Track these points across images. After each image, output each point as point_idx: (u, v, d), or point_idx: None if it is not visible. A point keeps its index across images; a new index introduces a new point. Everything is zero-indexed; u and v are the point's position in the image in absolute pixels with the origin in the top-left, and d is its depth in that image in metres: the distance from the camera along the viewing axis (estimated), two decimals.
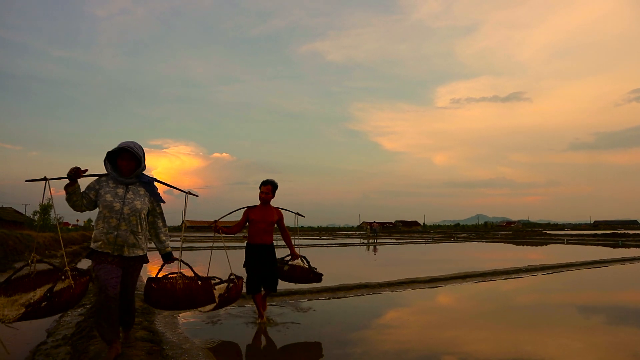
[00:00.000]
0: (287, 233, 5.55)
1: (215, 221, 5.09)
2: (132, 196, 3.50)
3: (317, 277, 5.69)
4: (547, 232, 52.05)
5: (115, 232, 3.41)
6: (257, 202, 5.33)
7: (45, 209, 33.79)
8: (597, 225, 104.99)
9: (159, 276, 3.74)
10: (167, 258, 3.84)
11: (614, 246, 23.84)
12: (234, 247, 23.83)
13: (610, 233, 39.38)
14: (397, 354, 4.05)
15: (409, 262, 15.21)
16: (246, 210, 5.37)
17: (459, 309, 6.47)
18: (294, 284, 6.00)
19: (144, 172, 3.64)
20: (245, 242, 5.34)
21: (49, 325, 5.38)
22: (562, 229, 77.17)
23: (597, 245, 25.25)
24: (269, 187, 5.29)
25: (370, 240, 31.93)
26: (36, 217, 36.22)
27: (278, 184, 5.39)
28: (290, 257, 5.67)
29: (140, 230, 3.51)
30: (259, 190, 5.27)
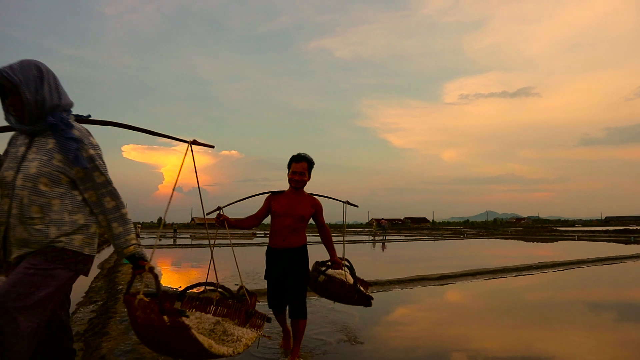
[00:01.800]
0: (327, 231, 4.01)
1: (219, 208, 3.64)
2: (33, 155, 2.05)
3: (365, 300, 4.12)
4: (558, 228, 51.67)
5: (6, 222, 2.02)
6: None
7: None
8: (608, 221, 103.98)
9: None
10: (133, 262, 2.26)
11: (626, 242, 23.63)
12: (241, 244, 23.97)
13: (622, 229, 39.01)
14: (406, 351, 4.05)
15: (418, 259, 15.19)
16: (268, 197, 3.87)
17: (469, 306, 6.45)
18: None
19: (62, 112, 2.11)
20: (267, 243, 3.94)
21: None
22: (573, 225, 76.49)
23: (609, 241, 25.04)
24: (303, 165, 3.72)
25: (376, 237, 31.86)
26: None
27: (314, 161, 3.84)
28: (330, 263, 4.13)
29: (37, 215, 2.00)
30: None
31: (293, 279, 3.69)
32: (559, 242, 25.21)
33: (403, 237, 32.73)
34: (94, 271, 11.52)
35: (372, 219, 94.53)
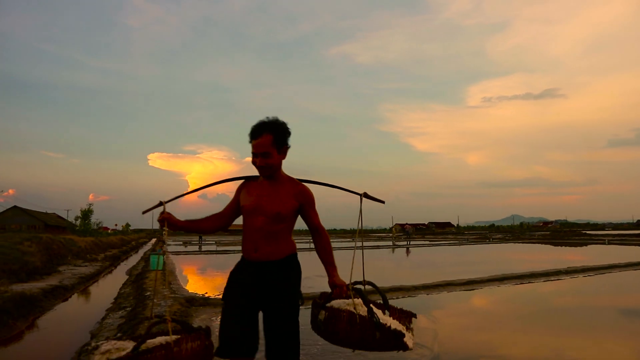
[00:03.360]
0: (324, 237, 2.52)
1: (162, 204, 2.45)
2: None
3: (397, 341, 2.23)
4: (587, 232, 50.46)
5: None
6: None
7: (86, 214, 35.00)
8: None
9: None
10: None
11: None
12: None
13: None
14: (432, 358, 4.00)
15: (443, 264, 15.02)
16: (240, 185, 2.57)
17: (497, 312, 6.35)
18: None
19: None
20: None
21: (92, 327, 5.57)
22: (603, 229, 74.58)
23: None
24: (264, 140, 2.31)
25: (397, 243, 31.58)
26: (78, 222, 37.47)
27: (289, 128, 2.41)
28: (332, 290, 2.44)
29: None
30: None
31: (274, 310, 2.34)
32: (588, 246, 24.59)
33: (428, 242, 32.42)
34: (122, 277, 11.73)
35: (396, 224, 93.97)
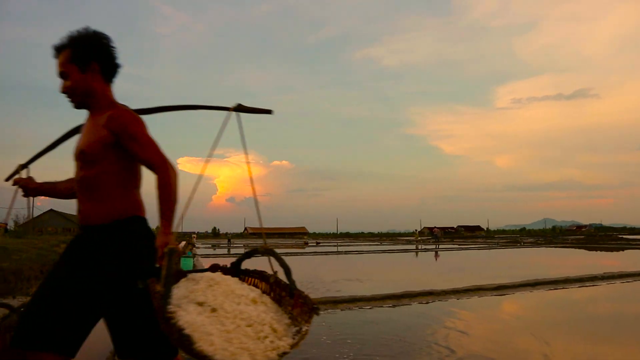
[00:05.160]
0: (159, 177, 1.69)
1: (22, 167, 2.15)
2: None
3: (183, 343, 1.31)
4: (623, 236, 48.84)
5: None
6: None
7: None
8: None
9: None
10: None
11: None
12: (292, 254, 24.21)
13: None
14: None
15: (473, 268, 14.78)
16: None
17: (529, 318, 6.21)
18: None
19: None
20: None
21: None
22: None
23: None
24: (63, 56, 1.78)
25: (419, 247, 31.17)
26: None
27: (102, 39, 1.82)
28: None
29: None
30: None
31: (92, 298, 1.71)
32: (625, 251, 23.79)
33: (457, 246, 31.94)
34: None
35: (424, 227, 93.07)
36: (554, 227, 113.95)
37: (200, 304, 1.50)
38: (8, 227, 22.82)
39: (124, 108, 1.80)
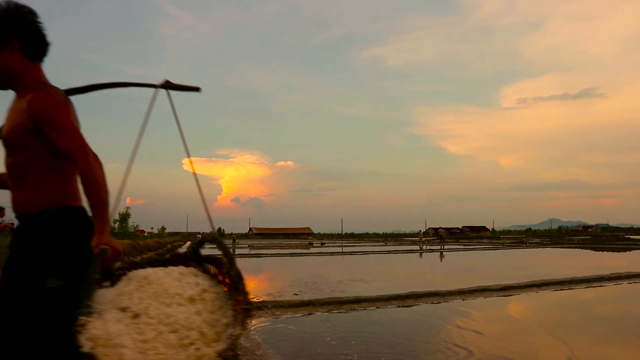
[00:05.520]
0: (80, 170, 1.53)
1: None
2: None
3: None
4: (630, 236, 48.49)
5: None
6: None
7: (124, 217, 36.17)
8: None
9: None
10: None
11: None
12: (297, 254, 24.19)
13: None
14: None
15: (479, 269, 14.73)
16: None
17: (536, 319, 6.17)
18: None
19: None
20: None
21: None
22: None
23: None
24: None
25: (423, 247, 31.11)
26: (116, 225, 38.63)
27: (21, 11, 1.59)
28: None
29: None
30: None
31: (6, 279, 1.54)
32: (632, 251, 23.63)
33: (462, 246, 31.84)
34: None
35: (429, 227, 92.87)
36: (559, 228, 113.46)
37: (123, 309, 1.37)
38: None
39: (47, 91, 1.58)
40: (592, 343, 4.77)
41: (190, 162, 1.96)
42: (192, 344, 1.32)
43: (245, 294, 1.47)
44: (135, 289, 1.45)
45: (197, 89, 1.96)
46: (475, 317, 6.34)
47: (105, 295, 1.42)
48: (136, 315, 1.36)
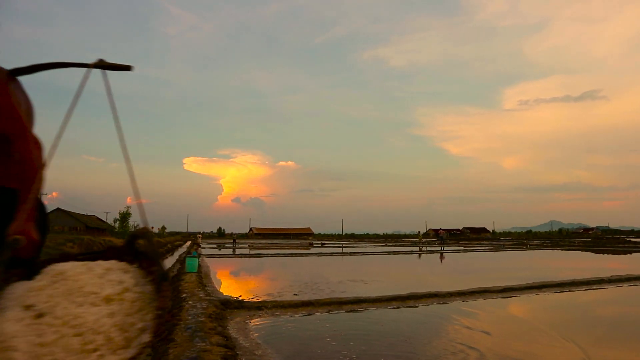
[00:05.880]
0: (18, 151, 1.48)
1: None
2: None
3: None
4: (631, 239, 48.44)
5: None
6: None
7: (125, 216, 36.25)
8: None
9: None
10: None
11: None
12: (298, 254, 24.19)
13: None
14: None
15: (479, 270, 14.72)
16: None
17: (536, 321, 6.16)
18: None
19: None
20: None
21: None
22: None
23: None
24: None
25: (422, 248, 31.07)
26: (116, 224, 38.75)
27: None
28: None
29: None
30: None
31: None
32: (632, 254, 23.60)
33: (462, 248, 31.81)
34: None
35: (429, 228, 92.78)
36: (560, 230, 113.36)
37: (28, 307, 1.24)
38: None
39: None
40: (593, 346, 4.77)
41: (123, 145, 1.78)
42: (96, 349, 1.20)
43: (166, 297, 1.34)
44: (46, 285, 1.31)
45: (128, 68, 1.83)
46: (475, 318, 6.34)
47: (13, 291, 1.28)
48: (40, 315, 1.23)
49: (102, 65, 1.74)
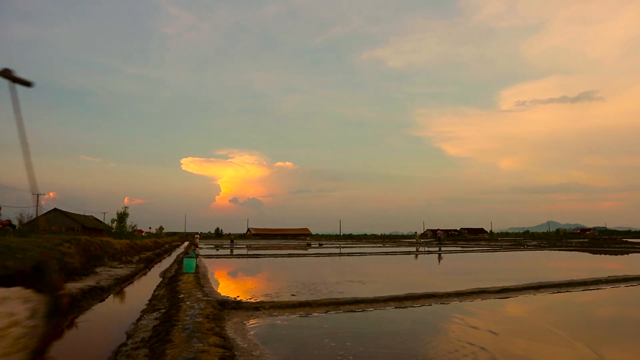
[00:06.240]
0: None
1: None
2: None
3: None
4: (628, 240, 48.57)
5: None
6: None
7: (122, 216, 36.16)
8: None
9: None
10: None
11: None
12: (295, 255, 24.17)
13: None
14: None
15: (477, 271, 14.73)
16: None
17: (533, 321, 6.17)
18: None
19: None
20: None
21: (128, 328, 5.69)
22: None
23: None
24: None
25: (419, 249, 31.07)
26: (114, 225, 38.62)
27: None
28: None
29: None
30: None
31: None
32: (629, 254, 23.66)
33: (460, 249, 31.85)
34: (156, 279, 11.97)
35: (427, 229, 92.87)
36: (557, 230, 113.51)
37: None
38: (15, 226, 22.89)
39: None
40: (591, 346, 4.77)
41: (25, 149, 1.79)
42: None
43: (49, 334, 1.21)
44: None
45: (29, 84, 1.82)
46: (473, 318, 6.34)
47: None
48: None
49: (5, 75, 1.74)
